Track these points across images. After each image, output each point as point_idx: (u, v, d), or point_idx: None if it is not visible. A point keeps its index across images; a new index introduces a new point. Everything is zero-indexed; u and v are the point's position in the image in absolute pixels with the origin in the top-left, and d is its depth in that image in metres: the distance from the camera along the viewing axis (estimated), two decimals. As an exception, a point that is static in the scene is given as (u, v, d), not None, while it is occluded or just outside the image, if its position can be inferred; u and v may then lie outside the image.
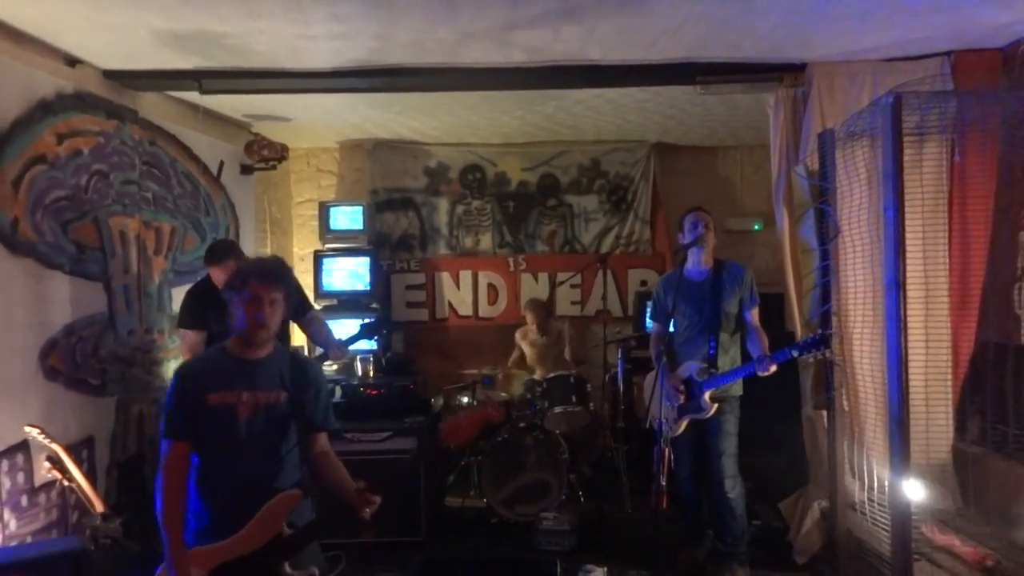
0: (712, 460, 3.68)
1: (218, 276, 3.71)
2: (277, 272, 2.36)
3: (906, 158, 3.14)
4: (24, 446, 3.31)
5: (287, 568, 2.22)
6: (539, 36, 3.56)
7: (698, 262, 3.77)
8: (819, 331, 3.45)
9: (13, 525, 3.24)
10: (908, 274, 3.08)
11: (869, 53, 3.85)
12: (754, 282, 3.75)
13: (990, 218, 3.60)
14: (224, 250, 3.74)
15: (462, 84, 4.17)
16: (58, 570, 2.55)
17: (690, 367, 3.66)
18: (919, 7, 3.24)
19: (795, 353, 3.37)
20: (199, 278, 4.05)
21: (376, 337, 4.13)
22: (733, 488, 3.67)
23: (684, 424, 3.69)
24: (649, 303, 5.61)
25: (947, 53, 3.79)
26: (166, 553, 2.17)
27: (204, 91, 4.09)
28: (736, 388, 3.71)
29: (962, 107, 3.33)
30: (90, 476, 3.50)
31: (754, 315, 3.72)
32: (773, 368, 3.41)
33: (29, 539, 3.30)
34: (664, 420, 3.68)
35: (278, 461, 2.32)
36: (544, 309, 5.56)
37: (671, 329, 3.81)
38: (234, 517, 2.21)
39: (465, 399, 5.21)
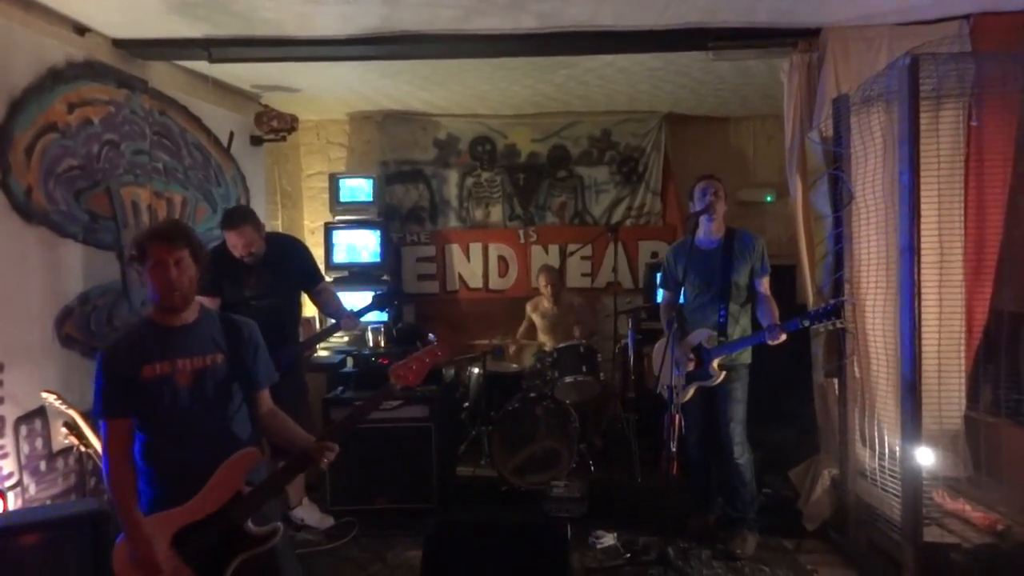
0: (721, 427, 3.70)
1: (234, 241, 3.72)
2: (174, 231, 2.29)
3: (922, 123, 3.10)
4: (41, 412, 3.36)
5: (250, 525, 2.22)
6: (550, 1, 3.51)
7: (709, 231, 3.75)
8: (831, 301, 3.43)
9: (32, 489, 3.30)
10: (923, 240, 3.06)
11: (885, 17, 3.77)
12: (765, 251, 3.73)
13: (1007, 184, 3.55)
14: (242, 215, 3.74)
15: (473, 51, 4.13)
16: (80, 530, 2.60)
17: (700, 334, 3.66)
18: (938, -33, 3.18)
19: (806, 323, 3.36)
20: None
21: (388, 309, 4.14)
22: (742, 455, 3.69)
23: (692, 391, 3.70)
24: (659, 274, 5.63)
25: (966, 16, 3.71)
26: (123, 527, 2.18)
27: (213, 60, 4.08)
28: (745, 356, 3.71)
29: (981, 69, 3.27)
30: (107, 443, 3.55)
31: (764, 284, 3.71)
32: (783, 337, 3.40)
33: (48, 503, 3.36)
34: (672, 387, 3.69)
35: (226, 422, 2.31)
36: (558, 275, 5.56)
37: (681, 299, 3.81)
38: (189, 483, 2.20)
39: (476, 369, 5.24)
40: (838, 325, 3.36)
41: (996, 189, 3.53)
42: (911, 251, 2.98)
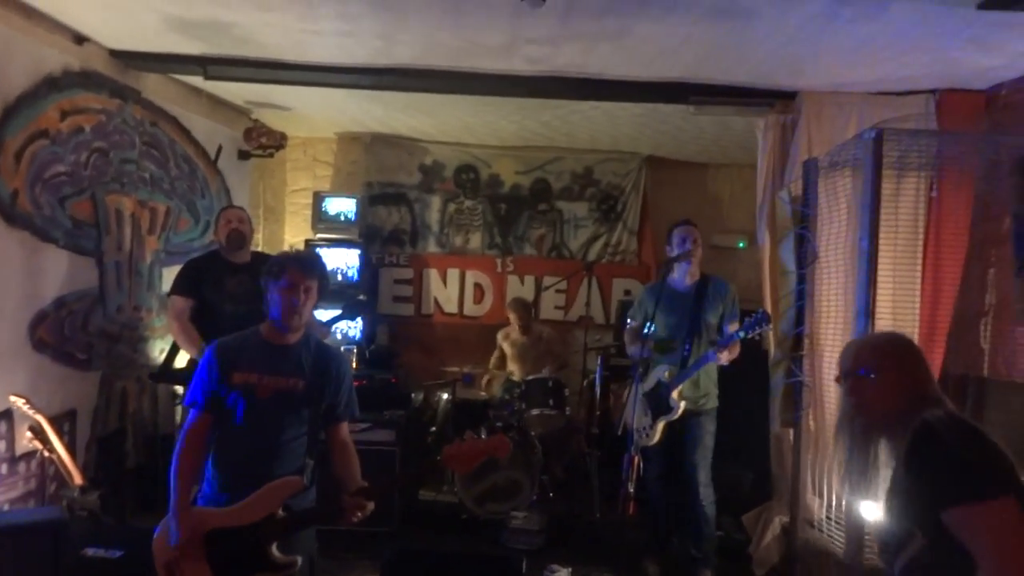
0: (688, 471, 3.77)
1: (228, 216, 3.95)
2: (314, 262, 2.50)
3: (886, 190, 3.26)
4: (7, 415, 3.37)
5: (274, 550, 2.28)
6: (541, 48, 3.65)
7: (684, 274, 3.86)
8: (760, 310, 3.56)
9: (-8, 492, 3.30)
10: (879, 303, 3.21)
11: (858, 86, 3.97)
12: (736, 298, 3.86)
13: (963, 253, 3.73)
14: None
15: (464, 88, 4.26)
16: (40, 538, 2.62)
17: (658, 371, 3.75)
18: (906, 46, 3.36)
19: (741, 334, 3.48)
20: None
21: (357, 316, 4.22)
22: (707, 496, 3.77)
23: (660, 428, 3.75)
24: (628, 312, 5.74)
25: (933, 91, 3.92)
26: (170, 507, 2.30)
27: (208, 77, 4.16)
28: (712, 400, 3.80)
29: (941, 146, 3.45)
30: (71, 449, 3.56)
31: (732, 328, 3.81)
32: (725, 354, 3.54)
33: (6, 507, 3.35)
34: (641, 429, 3.77)
35: (282, 446, 2.40)
36: (527, 309, 5.65)
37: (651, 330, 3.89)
38: (237, 490, 2.33)
39: (445, 395, 5.30)
40: (765, 334, 3.50)
41: (952, 257, 3.70)
42: (866, 315, 3.12)
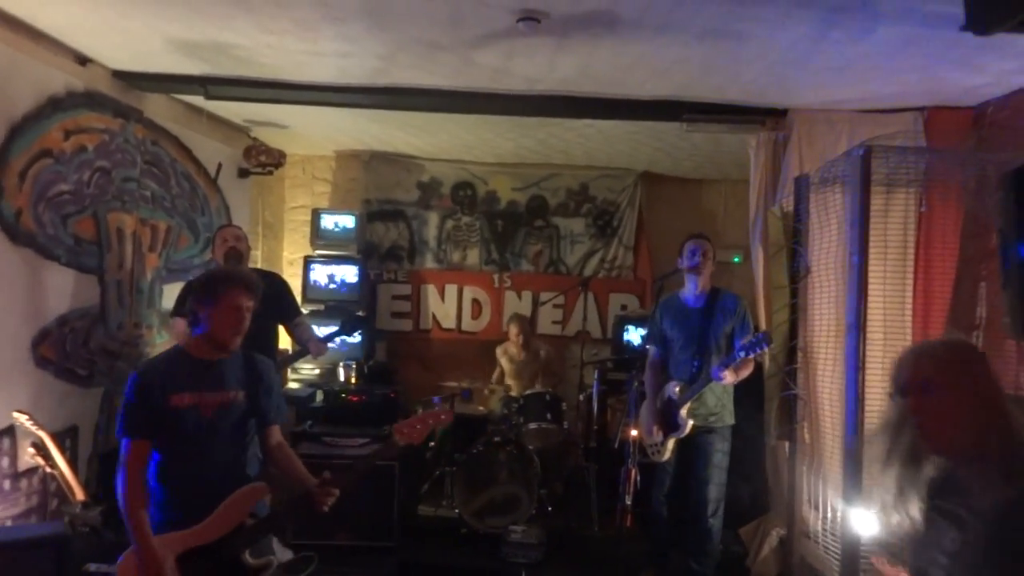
0: (698, 487, 3.75)
1: (225, 235, 4.00)
2: (256, 284, 2.52)
3: (875, 206, 3.32)
4: (10, 431, 3.39)
5: (247, 557, 2.33)
6: (537, 67, 3.72)
7: (694, 288, 3.86)
8: (761, 332, 3.58)
9: (-6, 508, 3.32)
10: (870, 317, 3.26)
11: (847, 103, 4.05)
12: (748, 313, 3.84)
13: (954, 268, 3.79)
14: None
15: (462, 107, 4.33)
16: (43, 553, 2.64)
17: (668, 388, 3.78)
18: (894, 65, 3.44)
19: (741, 354, 3.44)
20: (190, 277, 4.19)
21: (356, 332, 4.26)
22: (715, 513, 3.77)
23: (670, 445, 3.76)
24: (628, 327, 5.80)
25: (921, 108, 4.00)
26: (133, 541, 2.28)
27: (210, 96, 4.22)
28: (725, 418, 3.78)
29: (928, 162, 3.52)
30: (73, 465, 3.57)
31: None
32: (727, 374, 3.46)
33: (9, 523, 3.37)
34: (652, 446, 3.79)
35: (241, 455, 2.46)
36: (528, 324, 5.70)
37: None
38: (200, 508, 2.33)
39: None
40: (768, 353, 3.54)
41: (942, 272, 3.76)
42: (857, 328, 3.18)
